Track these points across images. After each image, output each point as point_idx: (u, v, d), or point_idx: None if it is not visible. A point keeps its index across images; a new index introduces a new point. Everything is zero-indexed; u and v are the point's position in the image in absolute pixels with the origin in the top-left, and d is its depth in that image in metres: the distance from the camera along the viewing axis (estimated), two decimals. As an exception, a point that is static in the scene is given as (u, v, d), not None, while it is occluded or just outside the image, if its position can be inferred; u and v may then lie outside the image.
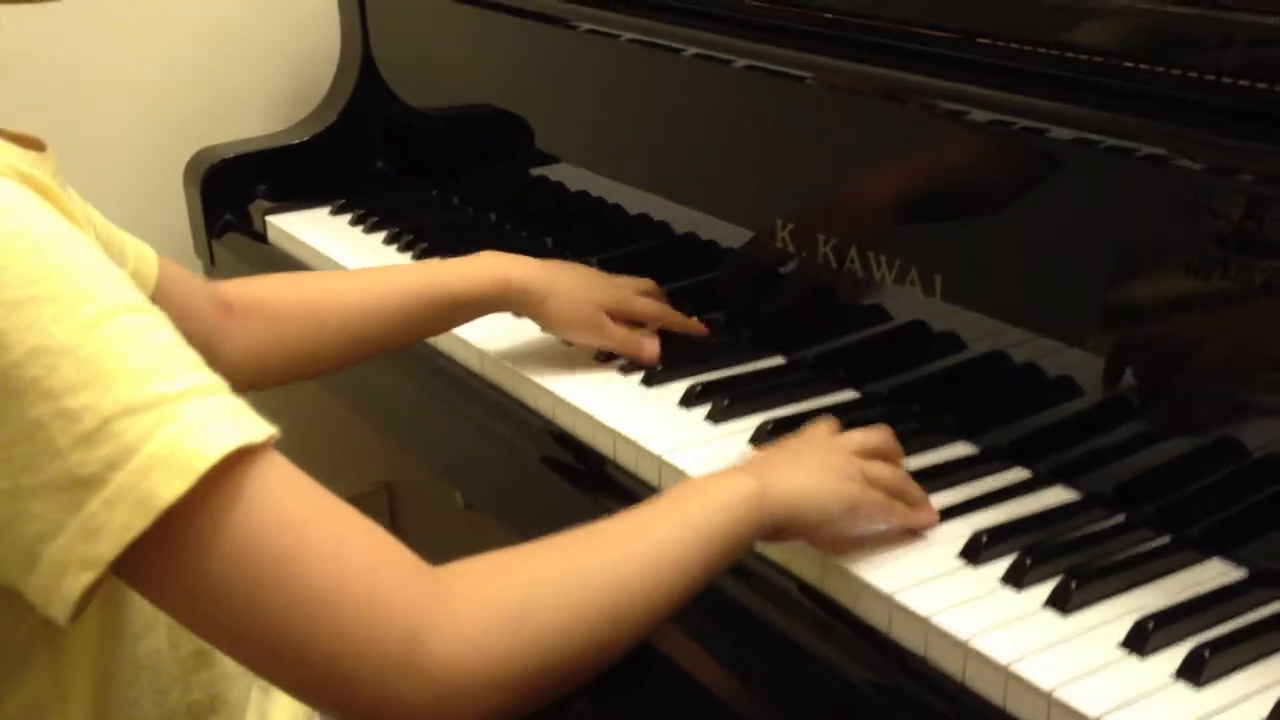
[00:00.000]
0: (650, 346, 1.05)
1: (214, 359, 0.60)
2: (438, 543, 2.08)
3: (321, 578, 0.57)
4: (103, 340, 0.55)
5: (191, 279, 0.92)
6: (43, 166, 0.64)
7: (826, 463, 0.79)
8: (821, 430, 0.85)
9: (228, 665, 0.73)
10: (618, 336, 1.05)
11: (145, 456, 0.54)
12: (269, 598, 0.56)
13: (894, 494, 0.81)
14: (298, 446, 1.00)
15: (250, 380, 0.88)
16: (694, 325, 1.11)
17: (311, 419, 1.70)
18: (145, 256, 0.86)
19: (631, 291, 1.09)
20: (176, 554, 0.56)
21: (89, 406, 0.54)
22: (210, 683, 0.72)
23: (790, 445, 0.83)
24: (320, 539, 0.57)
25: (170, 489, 0.54)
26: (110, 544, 0.54)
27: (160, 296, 0.82)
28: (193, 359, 0.58)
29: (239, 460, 0.56)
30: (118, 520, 0.54)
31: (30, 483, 0.54)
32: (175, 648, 0.71)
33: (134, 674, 0.68)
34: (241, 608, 0.57)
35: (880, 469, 0.81)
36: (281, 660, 0.58)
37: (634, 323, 1.08)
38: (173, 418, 0.55)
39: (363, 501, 2.04)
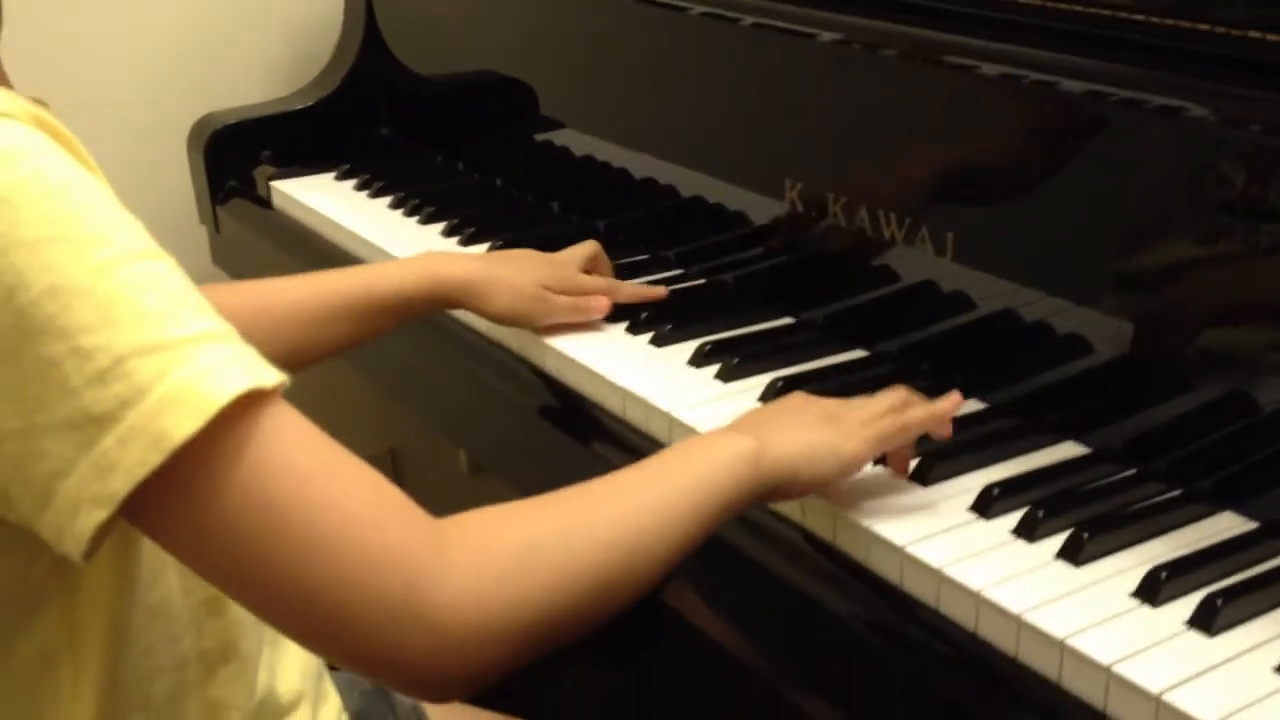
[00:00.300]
0: (598, 302, 1.06)
1: None
2: (442, 508, 2.08)
3: (326, 525, 0.57)
4: (118, 283, 0.55)
5: None
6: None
7: (824, 420, 0.79)
8: (809, 397, 0.83)
9: (239, 614, 0.73)
10: (564, 306, 1.06)
11: (158, 396, 0.54)
12: (275, 542, 0.57)
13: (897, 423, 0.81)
14: (301, 411, 1.00)
15: None
16: (647, 292, 1.10)
17: (315, 384, 1.69)
18: None
19: (574, 266, 1.09)
20: (186, 494, 0.56)
21: (103, 346, 0.54)
22: (223, 630, 0.73)
23: (782, 408, 0.82)
24: (326, 487, 0.58)
25: (183, 427, 0.54)
26: (123, 480, 0.55)
27: None
28: (205, 305, 0.58)
29: (250, 403, 0.57)
30: (130, 457, 0.54)
31: (43, 421, 0.55)
32: (187, 593, 0.71)
33: (146, 620, 0.68)
34: (247, 552, 0.57)
35: (880, 402, 0.81)
36: (286, 606, 0.59)
37: None
38: (185, 360, 0.55)
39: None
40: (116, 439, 0.54)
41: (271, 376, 0.58)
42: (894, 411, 0.81)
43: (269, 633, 0.78)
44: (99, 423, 0.54)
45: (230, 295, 0.94)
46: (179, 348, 0.55)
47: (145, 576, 0.68)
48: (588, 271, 1.11)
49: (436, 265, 1.02)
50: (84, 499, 0.55)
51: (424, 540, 0.60)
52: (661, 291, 1.11)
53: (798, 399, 0.83)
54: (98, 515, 0.55)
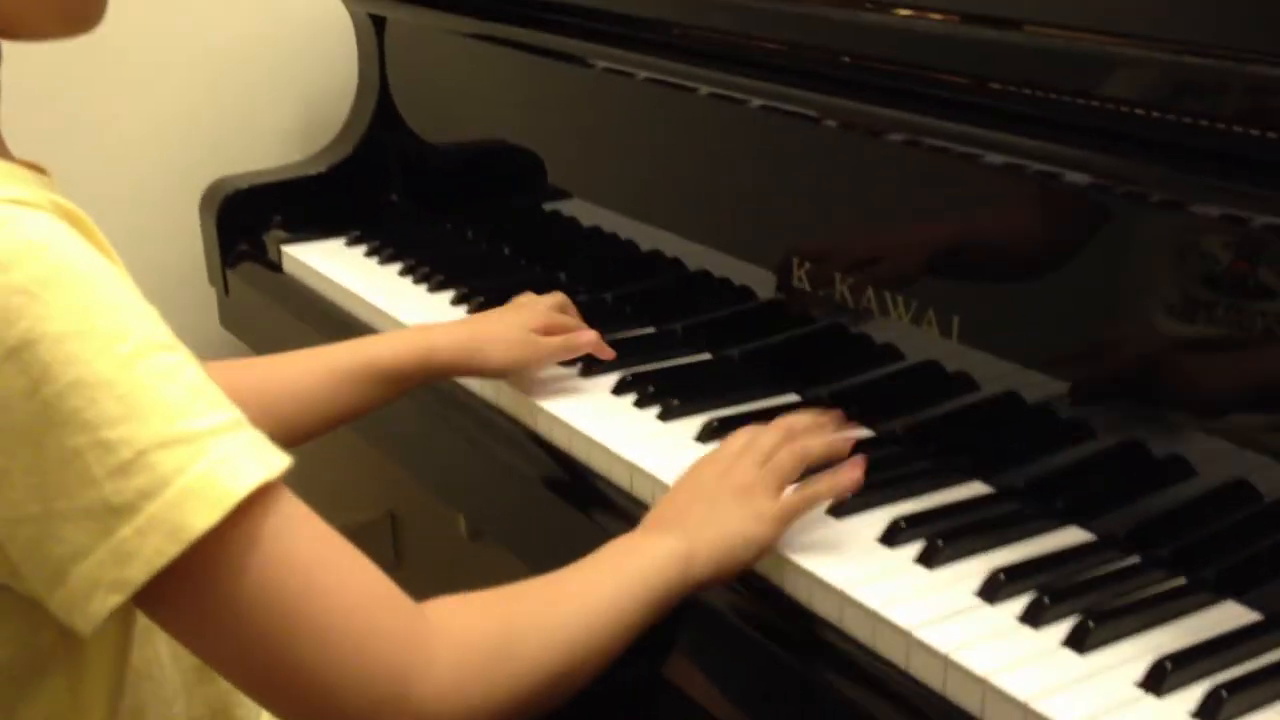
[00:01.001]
0: (585, 336, 1.08)
1: None
2: (440, 572, 2.09)
3: (325, 614, 0.61)
4: (140, 376, 0.57)
5: None
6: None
7: (735, 500, 0.83)
8: (722, 457, 0.88)
9: None
10: (555, 345, 1.08)
11: (179, 488, 0.57)
12: (275, 630, 0.60)
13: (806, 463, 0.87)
14: (301, 475, 1.00)
15: None
16: (603, 347, 1.12)
17: (315, 448, 1.71)
18: None
19: (547, 306, 1.12)
20: (196, 583, 0.59)
21: (126, 439, 0.56)
22: (215, 697, 0.73)
23: (695, 489, 0.86)
24: (326, 577, 0.62)
25: (203, 519, 0.57)
26: (141, 569, 0.57)
27: None
28: (218, 395, 0.61)
29: (262, 495, 0.59)
30: (149, 547, 0.57)
31: (63, 508, 0.57)
32: (176, 659, 0.72)
33: (135, 682, 0.69)
34: (249, 637, 0.60)
35: (783, 463, 0.86)
36: (279, 689, 0.62)
37: None
38: (204, 453, 0.58)
39: (367, 530, 2.05)
40: (136, 529, 0.57)
41: (279, 463, 0.61)
42: (796, 467, 0.86)
43: None
44: (118, 513, 0.57)
45: (226, 373, 0.95)
46: (197, 441, 0.58)
47: (134, 638, 0.69)
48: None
49: (428, 337, 1.03)
50: (101, 583, 0.57)
51: (412, 632, 0.64)
52: (610, 354, 1.12)
53: (708, 475, 0.87)
54: (113, 600, 0.57)
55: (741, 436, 0.90)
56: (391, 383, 1.00)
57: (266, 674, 0.62)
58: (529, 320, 1.08)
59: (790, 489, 0.86)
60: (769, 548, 0.84)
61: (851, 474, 0.86)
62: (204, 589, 0.59)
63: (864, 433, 1.02)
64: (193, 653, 0.64)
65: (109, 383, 0.56)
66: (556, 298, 1.14)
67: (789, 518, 0.85)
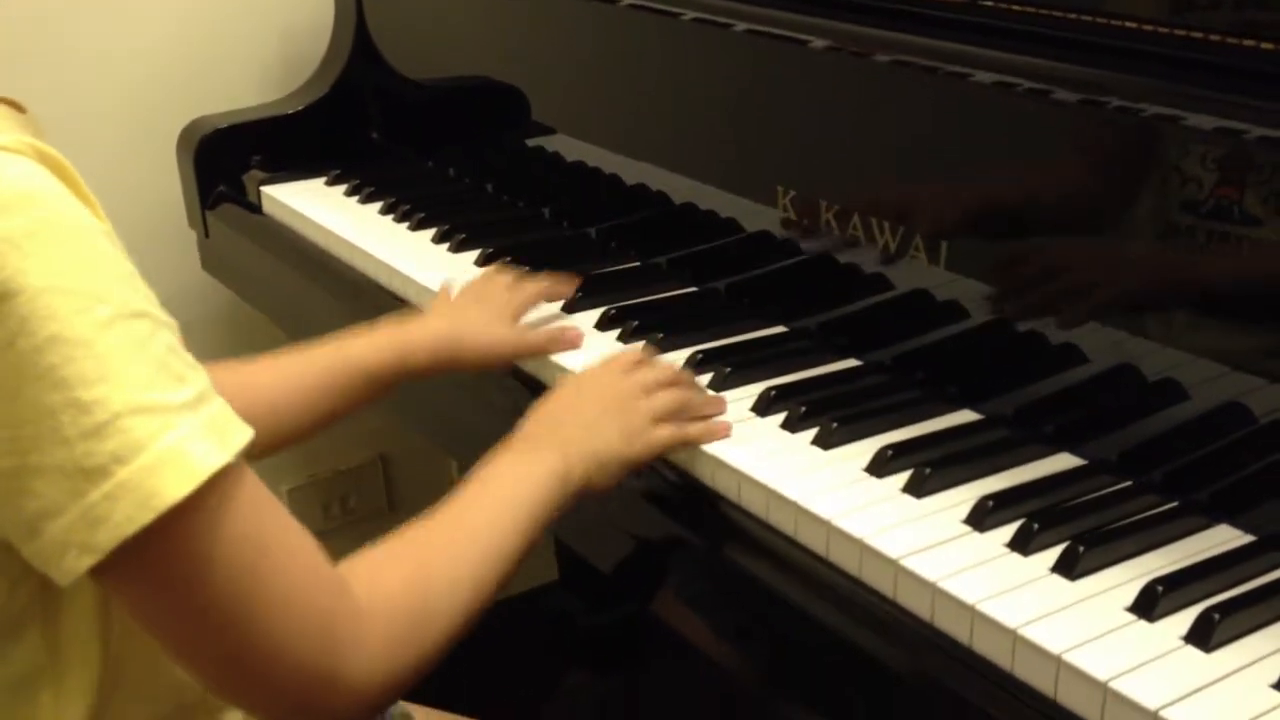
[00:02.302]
0: (572, 333, 1.05)
1: None
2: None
3: (274, 594, 0.62)
4: (116, 339, 0.57)
5: None
6: (31, 129, 0.63)
7: (614, 418, 0.86)
8: (603, 375, 0.91)
9: None
10: (541, 342, 1.04)
11: (152, 455, 0.57)
12: (229, 606, 0.60)
13: (683, 413, 0.89)
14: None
15: None
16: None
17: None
18: None
19: (525, 293, 1.07)
20: (161, 553, 0.59)
21: (100, 400, 0.56)
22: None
23: (576, 400, 0.88)
24: (277, 555, 0.62)
25: (175, 489, 0.57)
26: (110, 535, 0.56)
27: None
28: (193, 365, 0.61)
29: (229, 471, 0.59)
30: (119, 513, 0.56)
31: (36, 463, 0.56)
32: None
33: (129, 646, 0.68)
34: (197, 609, 0.61)
35: (664, 399, 0.89)
36: (218, 661, 0.63)
37: None
38: (178, 424, 0.57)
39: (358, 474, 2.03)
40: (105, 494, 0.56)
41: (237, 441, 0.61)
42: (680, 405, 0.89)
43: None
44: (89, 475, 0.56)
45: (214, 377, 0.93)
46: (172, 412, 0.57)
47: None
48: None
49: (405, 338, 0.99)
50: (72, 543, 0.57)
51: (344, 608, 0.65)
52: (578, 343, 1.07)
53: (589, 389, 0.89)
54: (86, 560, 0.57)
55: (624, 360, 0.93)
56: (369, 385, 0.97)
57: (206, 645, 0.62)
58: (508, 305, 1.04)
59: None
60: (637, 468, 0.87)
61: (725, 428, 0.89)
62: (166, 559, 0.59)
63: (850, 363, 1.01)
64: (138, 622, 0.63)
65: (87, 342, 0.56)
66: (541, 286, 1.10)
67: (659, 449, 0.87)
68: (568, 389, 0.91)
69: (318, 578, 0.64)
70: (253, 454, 0.62)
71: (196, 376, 0.60)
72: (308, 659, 0.63)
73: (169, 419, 0.57)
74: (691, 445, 0.88)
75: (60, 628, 0.65)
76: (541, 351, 1.04)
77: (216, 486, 0.59)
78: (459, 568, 0.73)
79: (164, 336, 0.59)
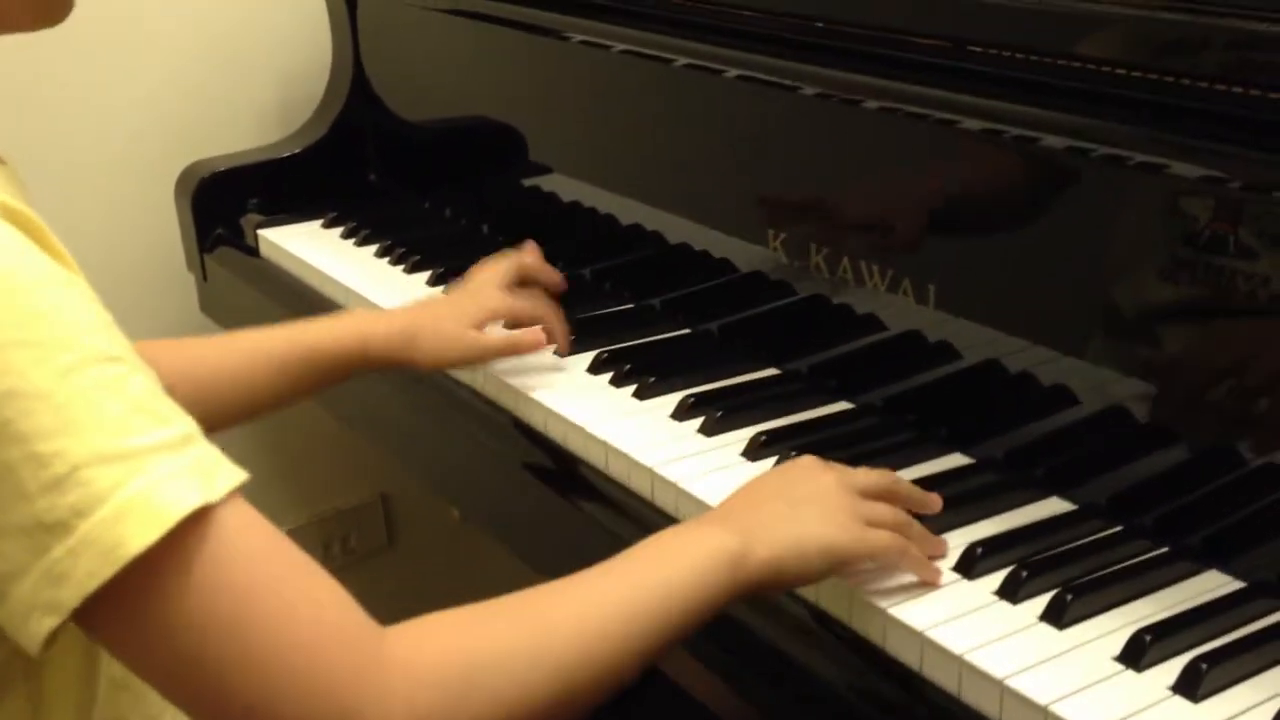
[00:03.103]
0: (531, 336, 1.03)
1: None
2: (433, 553, 2.07)
3: (263, 648, 0.57)
4: (78, 388, 0.55)
5: None
6: (6, 181, 0.63)
7: (824, 506, 0.75)
8: (814, 467, 0.79)
9: None
10: (496, 345, 1.03)
11: (114, 506, 0.54)
12: (213, 658, 0.57)
13: (900, 531, 0.77)
14: (294, 459, 0.99)
15: None
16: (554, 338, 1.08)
17: (308, 431, 1.70)
18: None
19: (494, 290, 1.05)
20: (134, 606, 0.56)
21: (60, 452, 0.54)
22: None
23: (781, 486, 0.77)
24: (266, 606, 0.58)
25: (136, 540, 0.54)
26: (73, 591, 0.55)
27: None
28: (165, 409, 0.58)
29: (204, 516, 0.57)
30: (81, 569, 0.54)
31: None
32: None
33: (112, 694, 0.67)
34: (186, 661, 0.58)
35: (882, 509, 0.77)
36: (217, 716, 0.59)
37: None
38: (142, 471, 0.55)
39: (358, 513, 2.03)
40: (68, 549, 0.54)
41: (226, 482, 0.58)
42: (894, 520, 0.77)
43: None
44: (51, 530, 0.54)
45: (156, 353, 0.92)
46: (135, 459, 0.55)
47: (106, 673, 0.67)
48: (523, 284, 1.10)
49: (365, 328, 0.99)
50: (36, 605, 0.55)
51: (362, 666, 0.59)
52: (563, 344, 1.07)
53: (797, 476, 0.78)
54: (49, 622, 0.55)
55: (846, 470, 0.80)
56: (325, 372, 0.97)
57: (204, 700, 0.59)
58: (475, 312, 1.03)
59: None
60: (842, 564, 0.75)
61: (938, 573, 0.77)
62: (139, 611, 0.57)
63: (844, 406, 1.01)
64: (139, 676, 0.61)
65: (45, 394, 0.54)
66: (508, 264, 1.09)
67: (874, 550, 0.75)
68: (775, 472, 0.81)
69: (328, 629, 0.60)
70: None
71: (182, 420, 0.58)
72: (313, 716, 0.58)
73: (137, 464, 0.55)
74: (904, 569, 0.77)
75: (44, 684, 0.65)
76: (499, 354, 1.04)
77: (190, 534, 0.56)
78: (536, 641, 0.63)
79: (140, 380, 0.58)
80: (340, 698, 0.58)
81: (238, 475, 0.59)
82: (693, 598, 0.68)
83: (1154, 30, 0.80)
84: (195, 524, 0.56)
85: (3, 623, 0.57)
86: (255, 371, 0.94)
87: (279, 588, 0.59)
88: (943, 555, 0.79)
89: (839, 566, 0.75)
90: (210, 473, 0.58)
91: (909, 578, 0.78)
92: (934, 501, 0.82)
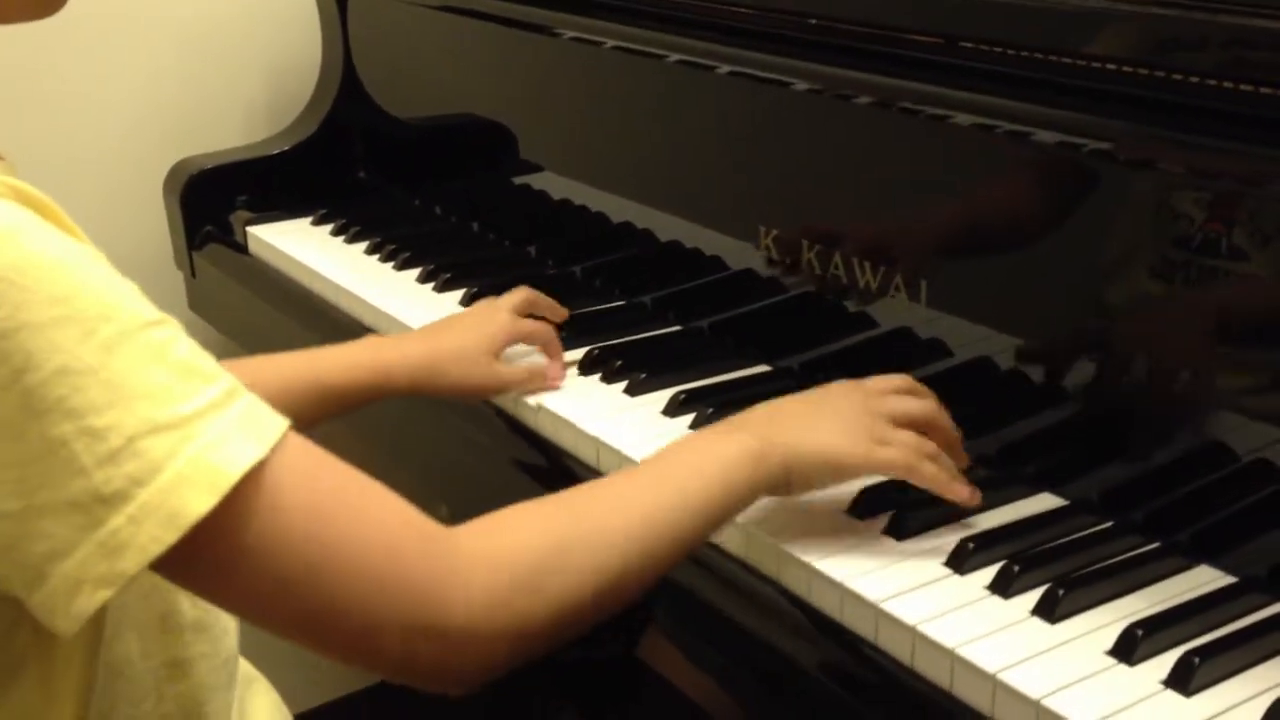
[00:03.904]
0: (553, 372, 1.04)
1: None
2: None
3: (348, 558, 0.60)
4: (126, 359, 0.56)
5: None
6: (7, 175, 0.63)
7: (839, 421, 0.79)
8: (843, 388, 0.84)
9: (204, 677, 0.72)
10: (516, 378, 1.03)
11: (172, 473, 0.56)
12: (298, 584, 0.60)
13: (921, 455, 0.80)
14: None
15: None
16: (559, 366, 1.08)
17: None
18: None
19: (506, 314, 1.05)
20: (206, 562, 0.59)
21: (114, 425, 0.55)
22: (186, 694, 0.71)
23: (805, 400, 0.83)
24: (338, 521, 0.61)
25: (200, 503, 0.56)
26: (135, 559, 0.56)
27: None
28: (209, 366, 0.59)
29: (261, 469, 0.58)
30: (144, 535, 0.56)
31: (44, 501, 0.55)
32: (146, 656, 0.70)
33: (108, 680, 0.67)
34: (273, 595, 0.60)
35: (902, 436, 0.80)
36: (314, 633, 0.62)
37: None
38: (196, 435, 0.57)
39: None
40: (128, 518, 0.55)
41: (275, 430, 0.60)
42: (916, 448, 0.80)
43: (236, 696, 0.76)
44: (108, 502, 0.55)
45: None
46: (189, 424, 0.57)
47: (106, 634, 0.67)
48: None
49: (384, 359, 0.98)
50: (86, 579, 0.56)
51: (439, 560, 0.63)
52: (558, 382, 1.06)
53: (826, 393, 0.83)
54: (101, 595, 0.56)
55: (883, 383, 0.85)
56: (340, 403, 0.96)
57: (294, 621, 0.62)
58: (494, 337, 1.03)
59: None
60: (845, 475, 0.80)
61: (962, 488, 0.80)
62: (211, 567, 0.59)
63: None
64: (225, 612, 0.64)
65: (94, 368, 0.55)
66: (520, 295, 1.08)
67: (881, 465, 0.79)
68: (809, 391, 0.85)
69: (400, 533, 0.63)
70: None
71: (224, 374, 0.60)
72: (404, 613, 0.61)
73: (190, 429, 0.56)
74: (919, 482, 0.80)
75: (54, 667, 0.65)
76: (518, 387, 1.03)
77: (248, 488, 0.58)
78: (595, 531, 0.69)
79: (184, 339, 0.59)
80: (425, 588, 0.62)
81: (282, 421, 0.61)
82: (722, 495, 0.74)
83: (1145, 26, 0.80)
84: (254, 475, 0.58)
85: (37, 605, 0.57)
86: (279, 402, 0.93)
87: (347, 501, 0.62)
88: (977, 498, 0.81)
89: (842, 477, 0.80)
90: (259, 423, 0.59)
91: (903, 572, 0.78)
92: (960, 454, 0.84)
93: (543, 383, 1.04)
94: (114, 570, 0.55)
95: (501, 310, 1.06)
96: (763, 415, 0.80)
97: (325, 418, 0.97)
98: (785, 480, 0.77)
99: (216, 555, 0.58)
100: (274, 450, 0.59)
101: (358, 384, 0.96)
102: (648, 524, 0.70)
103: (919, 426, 0.82)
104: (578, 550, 0.67)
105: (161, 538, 0.55)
